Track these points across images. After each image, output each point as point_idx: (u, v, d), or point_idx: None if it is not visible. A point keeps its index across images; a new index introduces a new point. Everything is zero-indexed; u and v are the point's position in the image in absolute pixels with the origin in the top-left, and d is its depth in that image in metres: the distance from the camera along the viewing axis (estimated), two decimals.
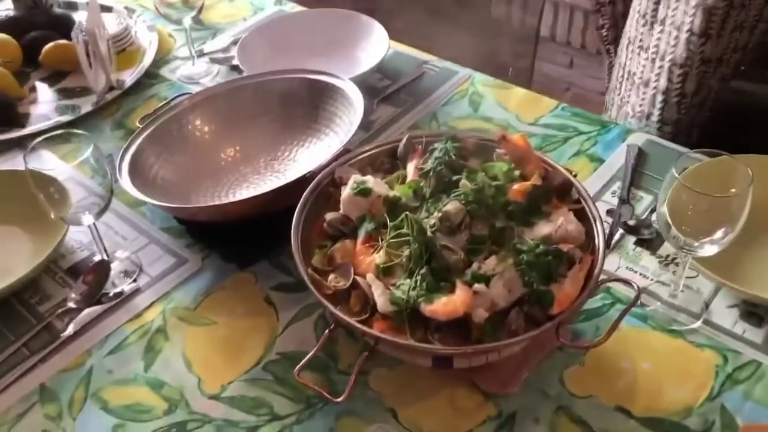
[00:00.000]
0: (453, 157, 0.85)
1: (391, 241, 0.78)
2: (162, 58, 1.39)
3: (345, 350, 0.85)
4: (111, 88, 1.28)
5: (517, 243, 0.76)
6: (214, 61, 1.36)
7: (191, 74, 1.33)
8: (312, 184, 0.87)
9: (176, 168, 1.05)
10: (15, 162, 1.13)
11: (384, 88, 1.27)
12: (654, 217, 0.96)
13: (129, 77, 1.31)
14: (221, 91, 1.12)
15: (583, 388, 0.81)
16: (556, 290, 0.73)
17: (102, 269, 0.95)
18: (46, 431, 0.80)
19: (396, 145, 0.92)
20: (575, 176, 0.87)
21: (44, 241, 0.96)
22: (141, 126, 1.07)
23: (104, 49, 1.26)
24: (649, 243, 0.96)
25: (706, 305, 0.88)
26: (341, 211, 0.84)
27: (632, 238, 0.97)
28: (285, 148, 1.10)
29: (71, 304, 0.92)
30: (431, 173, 0.84)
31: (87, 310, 0.91)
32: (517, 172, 0.85)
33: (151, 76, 1.34)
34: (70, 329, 0.89)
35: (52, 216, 0.89)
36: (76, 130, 0.92)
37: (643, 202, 1.02)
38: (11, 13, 1.40)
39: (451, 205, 0.78)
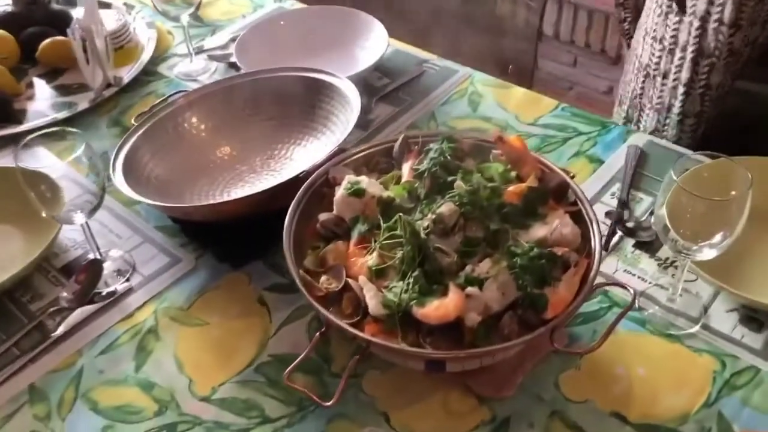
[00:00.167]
0: (448, 157, 0.84)
1: (384, 242, 0.77)
2: (160, 55, 1.38)
3: (338, 352, 0.84)
4: (108, 85, 1.28)
5: (512, 246, 0.75)
6: (212, 58, 1.35)
7: (189, 71, 1.33)
8: (305, 184, 0.86)
9: (171, 166, 1.05)
10: (10, 159, 1.12)
11: (383, 86, 1.25)
12: (653, 219, 0.94)
13: (126, 74, 1.30)
14: (217, 89, 1.11)
15: (579, 392, 0.79)
16: (551, 294, 0.72)
17: (94, 268, 0.94)
18: (36, 431, 0.79)
19: (391, 145, 0.91)
20: (573, 177, 0.86)
21: (37, 240, 0.96)
22: (136, 124, 1.06)
23: (101, 46, 1.26)
24: (648, 246, 0.95)
25: (705, 309, 0.87)
26: (335, 211, 0.83)
27: (631, 241, 0.95)
28: (281, 147, 1.09)
29: (63, 304, 0.91)
30: (426, 174, 0.83)
31: (79, 310, 0.91)
32: (513, 174, 0.84)
33: (148, 73, 1.33)
34: (61, 329, 0.89)
35: (44, 214, 0.88)
36: (69, 128, 0.91)
37: (643, 204, 1.00)
38: (9, 8, 1.39)
39: (445, 207, 0.77)
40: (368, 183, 0.83)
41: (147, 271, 0.97)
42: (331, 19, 1.34)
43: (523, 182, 0.83)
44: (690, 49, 1.17)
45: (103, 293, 0.93)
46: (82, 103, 1.25)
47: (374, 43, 1.28)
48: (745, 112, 1.22)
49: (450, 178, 0.82)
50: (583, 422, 0.77)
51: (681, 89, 1.21)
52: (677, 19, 1.18)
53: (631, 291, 0.74)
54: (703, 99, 1.20)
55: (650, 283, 0.90)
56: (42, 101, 1.29)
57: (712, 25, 1.14)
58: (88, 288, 0.92)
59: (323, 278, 0.78)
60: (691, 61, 1.18)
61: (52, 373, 0.85)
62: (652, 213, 0.97)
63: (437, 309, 0.70)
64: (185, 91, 1.12)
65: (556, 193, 0.83)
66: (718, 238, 0.78)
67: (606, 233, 0.96)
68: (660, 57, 1.23)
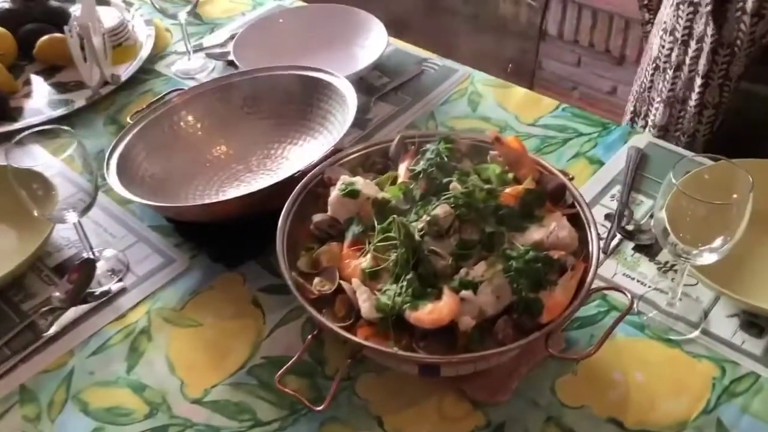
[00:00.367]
0: (445, 158, 0.83)
1: (378, 244, 0.76)
2: (158, 53, 1.37)
3: (332, 355, 0.83)
4: (105, 83, 1.27)
5: (507, 249, 0.73)
6: (210, 56, 1.34)
7: (187, 69, 1.32)
8: (300, 184, 0.85)
9: (166, 165, 1.04)
10: (3, 157, 1.12)
11: (382, 86, 1.24)
12: (653, 222, 0.93)
13: (124, 72, 1.29)
14: (214, 88, 1.10)
15: (575, 398, 0.78)
16: (546, 298, 0.70)
17: (88, 268, 0.93)
18: None
19: (388, 145, 0.90)
20: (571, 180, 0.85)
21: (31, 238, 0.95)
22: (132, 122, 1.05)
23: (99, 44, 1.25)
24: (648, 249, 0.93)
25: (705, 314, 0.86)
26: (329, 212, 0.82)
27: (630, 244, 0.94)
28: (278, 146, 1.08)
29: (55, 303, 0.90)
30: (422, 175, 0.81)
31: (71, 310, 0.90)
32: (510, 175, 0.83)
33: (146, 71, 1.32)
34: (54, 329, 0.88)
35: (35, 213, 0.87)
36: (62, 126, 0.90)
37: (643, 206, 0.99)
38: (7, 5, 1.38)
39: (440, 209, 0.76)
40: (363, 184, 0.82)
41: (141, 271, 0.96)
42: (331, 18, 1.33)
43: (521, 184, 0.82)
44: (708, 39, 1.15)
45: (96, 293, 0.92)
46: (79, 100, 1.24)
47: (374, 41, 1.27)
48: (747, 113, 1.21)
49: (446, 180, 0.81)
50: (579, 428, 0.75)
51: (698, 81, 1.18)
52: (690, 9, 1.16)
53: (629, 296, 0.73)
54: (722, 90, 1.18)
55: (649, 287, 0.89)
56: (39, 99, 1.28)
57: (733, 15, 1.11)
58: (81, 288, 0.91)
59: (316, 280, 0.77)
60: (710, 51, 1.15)
61: (43, 374, 0.84)
62: (652, 216, 0.96)
63: (431, 313, 0.69)
64: (181, 89, 1.11)
65: (553, 196, 0.81)
66: (718, 242, 0.76)
67: (605, 236, 0.94)
68: (671, 49, 1.21)
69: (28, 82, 1.32)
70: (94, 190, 0.90)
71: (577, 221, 0.80)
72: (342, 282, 0.75)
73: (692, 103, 1.21)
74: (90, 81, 1.26)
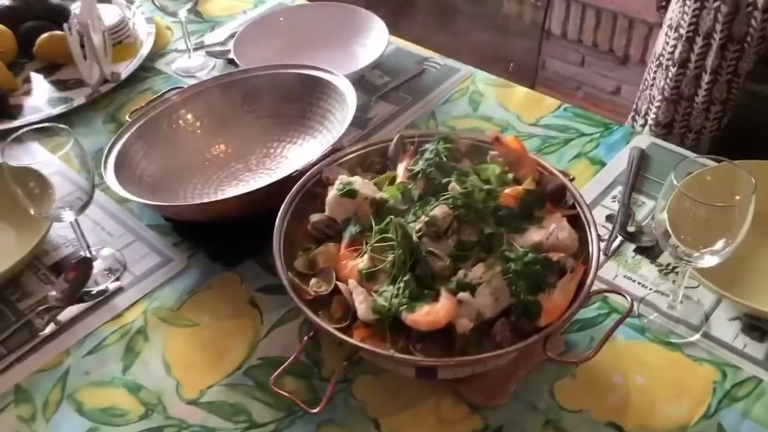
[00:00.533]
0: (444, 158, 0.82)
1: (376, 245, 0.75)
2: (159, 50, 1.37)
3: (328, 356, 0.83)
4: (105, 81, 1.26)
5: (506, 250, 0.72)
6: (210, 54, 1.33)
7: (187, 67, 1.31)
8: (298, 184, 0.84)
9: (165, 164, 1.03)
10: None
11: (383, 85, 1.23)
12: (653, 224, 0.92)
13: (124, 70, 1.28)
14: (213, 86, 1.09)
15: (574, 401, 0.77)
16: (545, 301, 0.69)
17: (84, 267, 0.92)
18: None
19: (387, 144, 0.89)
20: (572, 180, 0.84)
21: (28, 236, 0.94)
22: (130, 120, 1.04)
23: (99, 41, 1.24)
24: (650, 251, 0.92)
25: (706, 317, 0.85)
26: (326, 212, 0.81)
27: (632, 246, 0.93)
28: (277, 145, 1.08)
29: (52, 302, 0.89)
30: (420, 175, 0.81)
31: (67, 309, 0.89)
32: (510, 176, 0.82)
33: (146, 69, 1.31)
34: (49, 328, 0.87)
35: (32, 212, 0.86)
36: (59, 124, 0.90)
37: (645, 208, 0.98)
38: (7, 2, 1.38)
39: (439, 210, 0.75)
40: (361, 184, 0.81)
41: (138, 270, 0.95)
42: (332, 16, 1.32)
43: (521, 184, 0.81)
44: (717, 36, 1.14)
45: (93, 292, 0.92)
46: (79, 98, 1.24)
47: (375, 40, 1.26)
48: (750, 113, 1.20)
49: (445, 180, 0.80)
50: None
51: (706, 77, 1.17)
52: (697, 5, 1.14)
53: (629, 299, 0.72)
54: (731, 86, 1.17)
55: (650, 289, 0.88)
56: (39, 96, 1.27)
57: (743, 11, 1.10)
58: (78, 287, 0.91)
59: (313, 281, 0.76)
60: (720, 47, 1.14)
61: (38, 373, 0.83)
62: (653, 217, 0.95)
63: (427, 315, 0.68)
64: (181, 87, 1.10)
65: (553, 196, 0.80)
66: (720, 244, 0.75)
67: (606, 237, 0.93)
68: (675, 46, 1.20)
69: (28, 80, 1.31)
70: (91, 189, 0.89)
71: (577, 222, 0.79)
72: (338, 283, 0.74)
73: (699, 99, 1.20)
74: (90, 79, 1.25)
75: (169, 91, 1.10)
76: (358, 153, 0.89)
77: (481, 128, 1.13)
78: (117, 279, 0.94)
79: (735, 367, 0.79)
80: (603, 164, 1.05)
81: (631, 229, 0.94)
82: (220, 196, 1.00)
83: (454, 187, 0.78)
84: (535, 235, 0.76)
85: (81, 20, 1.21)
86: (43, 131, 0.90)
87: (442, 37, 1.94)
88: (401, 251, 0.72)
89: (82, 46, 1.23)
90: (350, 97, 1.00)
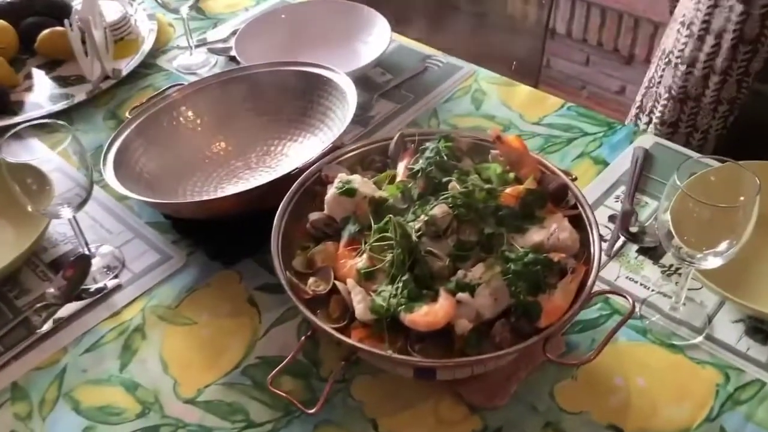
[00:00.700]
0: (445, 157, 0.81)
1: (374, 244, 0.74)
2: (160, 47, 1.36)
3: (327, 356, 0.82)
4: (106, 78, 1.26)
5: (506, 250, 0.72)
6: (212, 51, 1.33)
7: (189, 64, 1.30)
8: (297, 182, 0.83)
9: (164, 161, 1.02)
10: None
11: (385, 83, 1.23)
12: (656, 225, 0.91)
13: (125, 66, 1.28)
14: (213, 83, 1.08)
15: (575, 403, 0.77)
16: (545, 302, 0.69)
17: (83, 264, 0.92)
18: (15, 431, 0.77)
19: (387, 143, 0.88)
20: (575, 180, 0.83)
21: (27, 233, 0.94)
22: (130, 117, 1.04)
23: (100, 38, 1.24)
24: (652, 252, 0.91)
25: (709, 319, 0.84)
26: (325, 211, 0.81)
27: (634, 246, 0.92)
28: (278, 143, 1.07)
29: (50, 300, 0.89)
30: (420, 174, 0.80)
31: (65, 307, 0.89)
32: (511, 175, 0.81)
33: (147, 66, 1.31)
34: (47, 326, 0.87)
35: (29, 208, 0.86)
36: (58, 121, 0.89)
37: (648, 208, 0.97)
38: None
39: (438, 209, 0.74)
40: (361, 182, 0.81)
41: (137, 268, 0.94)
42: (334, 13, 1.31)
43: (522, 184, 0.80)
44: (729, 36, 1.13)
45: (91, 289, 0.91)
46: (80, 95, 1.23)
47: (377, 38, 1.26)
48: (755, 113, 1.18)
49: (445, 179, 0.79)
50: None
51: (715, 78, 1.16)
52: (711, 3, 1.13)
53: (630, 300, 0.71)
54: (740, 86, 1.15)
55: (653, 290, 0.87)
56: (40, 93, 1.27)
57: (756, 12, 1.09)
58: (76, 284, 0.90)
59: (311, 280, 0.76)
60: (731, 48, 1.13)
61: (35, 371, 0.83)
62: (656, 218, 0.94)
63: (426, 315, 0.68)
64: (181, 84, 1.10)
65: (555, 196, 0.80)
66: (723, 245, 0.74)
67: (609, 238, 0.92)
68: (686, 43, 1.18)
69: (29, 76, 1.31)
70: (90, 185, 0.89)
71: (579, 223, 0.78)
72: (337, 282, 0.74)
73: (707, 100, 1.19)
74: (91, 75, 1.25)
75: (169, 87, 1.09)
76: (358, 151, 0.89)
77: (484, 127, 1.12)
78: (116, 276, 0.93)
79: (738, 369, 0.79)
80: (606, 164, 1.04)
81: (633, 229, 0.93)
82: (220, 194, 0.99)
83: (455, 186, 0.77)
84: (536, 235, 0.75)
85: (82, 16, 1.20)
86: (43, 127, 0.90)
87: (445, 35, 1.94)
88: (400, 251, 0.72)
89: (84, 42, 1.22)
90: (351, 95, 0.99)
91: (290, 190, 0.83)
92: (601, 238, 0.76)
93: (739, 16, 1.11)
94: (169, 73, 1.30)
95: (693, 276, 0.82)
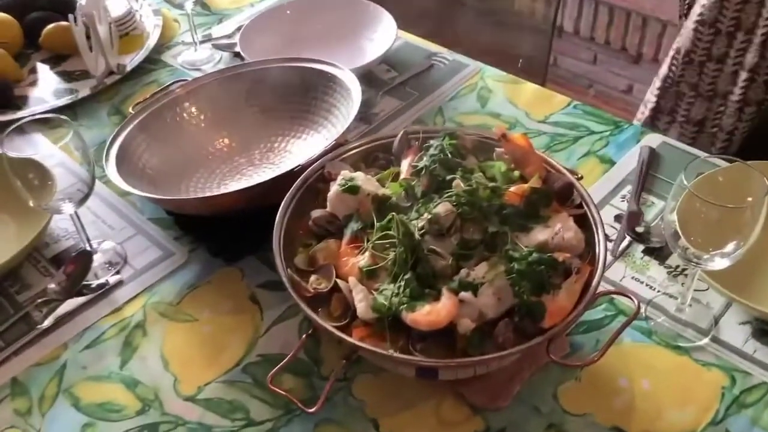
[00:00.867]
0: (449, 155, 0.80)
1: (377, 242, 0.73)
2: (165, 43, 1.35)
3: (328, 354, 0.81)
4: (111, 73, 1.25)
5: (510, 250, 0.71)
6: (217, 47, 1.32)
7: (193, 60, 1.30)
8: (299, 179, 0.83)
9: (167, 157, 1.02)
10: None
11: (390, 80, 1.22)
12: (662, 225, 0.90)
13: (130, 62, 1.27)
14: (217, 79, 1.08)
15: (578, 405, 0.76)
16: (549, 302, 0.68)
17: (84, 260, 0.92)
18: (14, 427, 0.77)
19: (391, 140, 0.88)
20: (580, 179, 0.82)
21: (29, 228, 0.93)
22: (134, 112, 1.03)
23: (104, 33, 1.23)
24: (659, 252, 0.90)
25: (716, 321, 0.83)
26: (328, 208, 0.80)
27: (640, 246, 0.91)
28: (282, 139, 1.06)
29: (51, 295, 0.89)
30: (424, 171, 0.79)
31: (66, 302, 0.88)
32: (516, 173, 0.80)
33: (152, 62, 1.30)
34: (48, 321, 0.86)
35: (31, 204, 0.85)
36: (60, 115, 0.89)
37: (654, 208, 0.96)
38: None
39: (442, 207, 0.73)
40: (364, 179, 0.80)
41: (138, 264, 0.94)
42: (339, 9, 1.31)
43: (527, 182, 0.79)
44: (760, 32, 1.11)
45: (93, 285, 0.91)
46: (84, 90, 1.23)
47: (382, 34, 1.25)
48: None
49: (449, 177, 0.78)
50: None
51: (743, 75, 1.15)
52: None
53: (636, 301, 0.70)
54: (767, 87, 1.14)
55: (658, 291, 0.86)
56: (44, 87, 1.27)
57: None
58: (77, 280, 0.90)
59: (313, 278, 0.75)
60: (760, 45, 1.11)
61: (35, 367, 0.83)
62: (663, 218, 0.93)
63: (428, 314, 0.67)
64: (185, 80, 1.09)
65: (560, 195, 0.79)
66: (730, 247, 0.73)
67: (615, 238, 0.91)
68: (711, 41, 1.16)
69: (33, 71, 1.31)
70: (92, 181, 0.88)
71: (584, 222, 0.77)
72: (338, 280, 0.73)
73: (734, 98, 1.17)
74: (95, 70, 1.24)
75: (173, 83, 1.09)
76: (362, 148, 0.88)
77: (489, 125, 1.11)
78: (117, 272, 0.93)
79: (744, 372, 0.78)
80: (612, 163, 1.03)
81: (639, 229, 0.92)
82: (223, 191, 0.99)
83: (458, 184, 0.76)
84: (540, 234, 0.74)
85: (87, 11, 1.20)
86: (45, 122, 0.89)
87: (451, 32, 1.92)
88: (403, 249, 0.71)
89: (88, 37, 1.22)
90: (355, 92, 0.99)
91: (293, 187, 0.82)
92: (607, 237, 0.75)
93: None
94: (173, 69, 1.29)
95: (699, 277, 0.81)
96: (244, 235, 0.93)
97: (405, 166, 0.83)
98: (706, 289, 0.85)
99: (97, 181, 0.91)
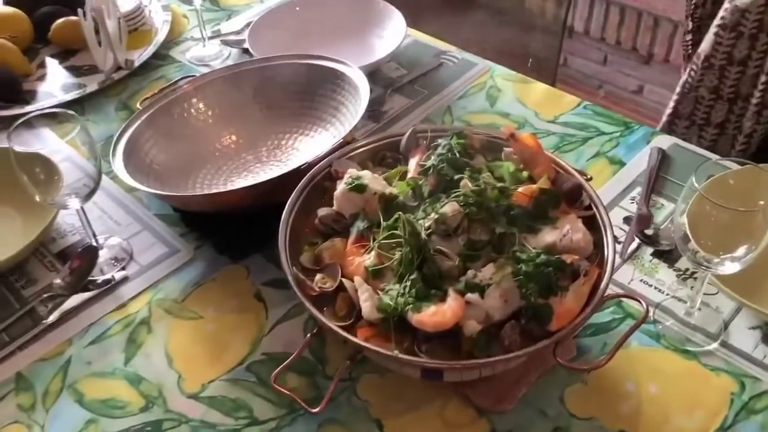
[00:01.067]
0: (457, 154, 0.80)
1: (383, 242, 0.73)
2: (174, 38, 1.35)
3: (333, 354, 0.81)
4: (119, 68, 1.25)
5: (518, 251, 0.70)
6: (225, 43, 1.32)
7: (202, 56, 1.30)
8: (306, 177, 0.82)
9: (174, 153, 1.02)
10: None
11: (399, 78, 1.21)
12: (672, 227, 0.89)
13: (138, 57, 1.27)
14: (225, 75, 1.07)
15: (585, 408, 0.75)
16: (556, 305, 0.67)
17: (90, 255, 0.91)
18: (18, 422, 0.77)
19: (399, 138, 0.87)
20: (590, 180, 0.81)
21: (35, 223, 0.93)
22: (141, 108, 1.03)
23: (113, 28, 1.23)
24: (668, 255, 0.89)
25: (725, 325, 0.82)
26: (334, 207, 0.79)
27: (649, 249, 0.90)
28: (289, 137, 1.06)
29: (56, 290, 0.89)
30: (431, 171, 0.78)
31: (72, 298, 0.88)
32: (524, 174, 0.80)
33: (161, 57, 1.30)
34: (53, 317, 0.86)
35: (37, 198, 0.85)
36: (67, 110, 0.88)
37: (664, 210, 0.95)
38: None
39: (449, 207, 0.72)
40: (371, 178, 0.79)
41: (144, 260, 0.94)
42: (348, 6, 1.30)
43: (535, 183, 0.78)
44: None
45: (98, 281, 0.91)
46: (92, 85, 1.23)
47: (392, 32, 1.24)
48: None
49: (457, 176, 0.77)
50: None
51: (763, 77, 1.13)
52: (763, 1, 1.10)
53: (644, 304, 0.69)
54: None
55: (667, 294, 0.85)
56: (52, 82, 1.27)
57: None
58: (82, 275, 0.90)
59: (318, 276, 0.75)
60: None
61: (40, 362, 0.82)
62: (672, 221, 0.92)
63: (434, 315, 0.66)
64: (193, 76, 1.09)
65: (569, 196, 0.78)
66: (741, 250, 0.72)
67: (624, 240, 0.91)
68: (732, 45, 1.15)
69: (42, 65, 1.31)
70: (98, 176, 0.88)
71: (593, 224, 0.76)
72: (344, 280, 0.72)
73: (754, 101, 1.16)
74: (103, 65, 1.24)
75: (181, 79, 1.08)
76: (370, 147, 0.87)
77: (498, 124, 1.10)
78: (123, 268, 0.92)
79: (754, 378, 0.77)
80: (622, 164, 1.02)
81: (649, 231, 0.91)
82: (229, 187, 0.98)
83: (466, 184, 0.75)
84: (548, 236, 0.73)
85: (96, 6, 1.20)
86: (53, 117, 0.89)
87: (460, 31, 1.91)
88: (409, 249, 0.70)
89: (97, 32, 1.22)
90: (364, 90, 0.98)
91: (299, 184, 0.81)
92: (616, 240, 0.74)
93: None
94: (181, 65, 1.29)
95: (709, 281, 0.80)
96: (250, 233, 0.93)
97: (413, 165, 0.83)
98: (716, 293, 0.84)
99: (103, 176, 0.91)
